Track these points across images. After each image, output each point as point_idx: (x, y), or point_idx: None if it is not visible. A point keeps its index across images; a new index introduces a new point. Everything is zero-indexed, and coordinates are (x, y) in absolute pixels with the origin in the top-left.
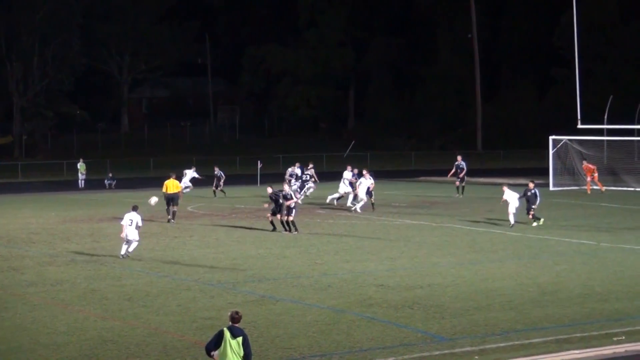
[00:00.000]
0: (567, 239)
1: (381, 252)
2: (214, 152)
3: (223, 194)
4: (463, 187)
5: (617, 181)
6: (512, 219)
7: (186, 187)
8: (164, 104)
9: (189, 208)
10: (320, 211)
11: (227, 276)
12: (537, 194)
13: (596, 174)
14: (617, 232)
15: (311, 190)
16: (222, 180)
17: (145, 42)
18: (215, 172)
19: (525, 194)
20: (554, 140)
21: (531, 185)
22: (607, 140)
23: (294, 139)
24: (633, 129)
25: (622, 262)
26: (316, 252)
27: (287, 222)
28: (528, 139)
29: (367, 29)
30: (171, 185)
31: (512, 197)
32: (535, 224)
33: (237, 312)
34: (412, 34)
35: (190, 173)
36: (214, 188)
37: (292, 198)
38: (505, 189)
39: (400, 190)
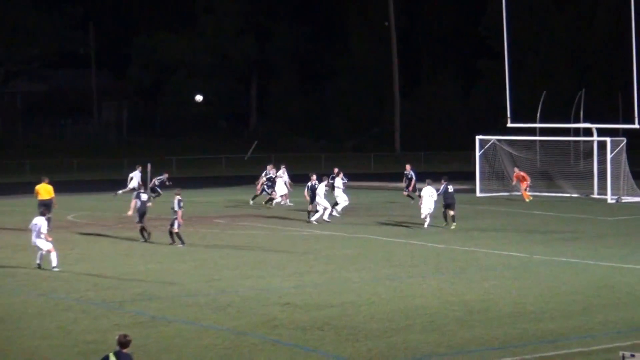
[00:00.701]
0: (496, 251)
1: (287, 266)
2: (98, 154)
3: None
4: (411, 197)
5: (552, 186)
6: (427, 220)
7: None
8: (41, 99)
9: (69, 217)
10: (219, 220)
11: (112, 294)
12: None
13: (526, 183)
14: (552, 243)
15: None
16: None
17: (21, 29)
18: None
19: (444, 192)
20: (481, 140)
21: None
22: (540, 141)
23: (189, 139)
24: (569, 128)
25: (557, 276)
26: (214, 266)
27: (171, 233)
28: (452, 140)
29: (271, 15)
30: (44, 191)
31: (429, 194)
32: (454, 226)
33: (125, 336)
34: (322, 21)
35: (137, 176)
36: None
37: (181, 208)
38: (426, 186)
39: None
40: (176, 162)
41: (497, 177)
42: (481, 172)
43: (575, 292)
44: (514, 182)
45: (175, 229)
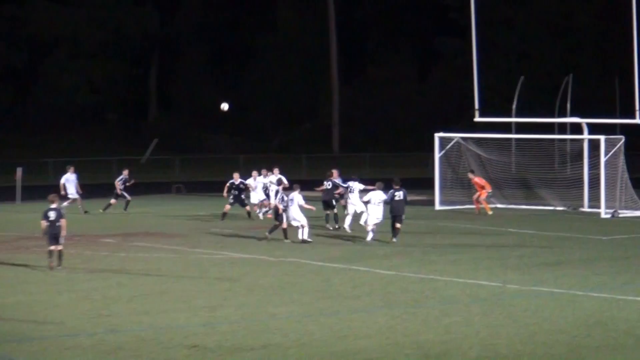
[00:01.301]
0: (460, 279)
1: (195, 298)
2: None
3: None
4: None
5: (531, 197)
6: (370, 235)
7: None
8: None
9: None
10: (109, 239)
11: None
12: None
13: (485, 192)
14: (530, 269)
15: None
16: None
17: None
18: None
19: (390, 199)
20: (441, 139)
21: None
22: (517, 139)
23: (70, 135)
24: (552, 124)
25: (537, 311)
26: (101, 299)
27: (51, 252)
28: (405, 138)
29: None
30: None
31: (378, 201)
32: (395, 240)
33: None
34: None
35: (71, 180)
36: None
37: (63, 217)
38: (376, 190)
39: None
40: (54, 166)
41: (462, 185)
42: (441, 179)
43: (560, 330)
44: (482, 197)
45: (60, 246)
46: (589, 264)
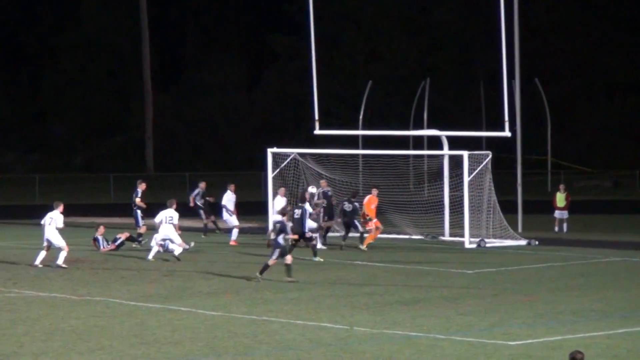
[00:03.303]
0: (299, 321)
1: None
2: None
3: None
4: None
5: (382, 223)
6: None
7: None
8: None
9: None
10: None
11: None
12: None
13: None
14: (382, 308)
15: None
16: None
17: None
18: None
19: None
20: (274, 154)
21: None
22: (364, 155)
23: None
24: (407, 137)
25: (391, 358)
26: None
27: None
28: (233, 153)
29: None
30: None
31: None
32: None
33: None
34: None
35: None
36: None
37: None
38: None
39: (14, 241)
40: None
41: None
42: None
43: None
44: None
45: None
46: (452, 302)
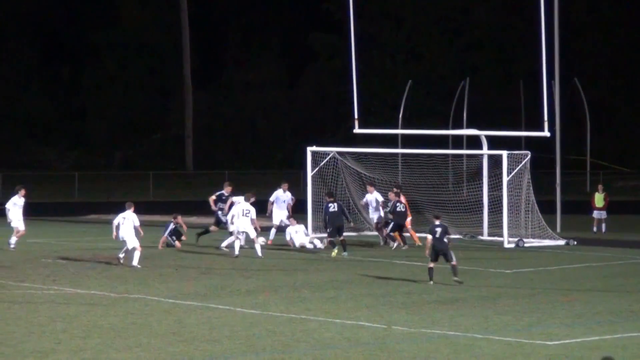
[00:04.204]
0: (337, 320)
1: (23, 342)
2: None
3: None
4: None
5: (421, 223)
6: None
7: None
8: None
9: None
10: None
11: None
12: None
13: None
14: (420, 308)
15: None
16: None
17: None
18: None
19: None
20: (314, 153)
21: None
22: (403, 155)
23: None
24: (446, 136)
25: (427, 358)
26: None
27: None
28: (273, 152)
29: None
30: None
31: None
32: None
33: None
34: None
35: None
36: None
37: None
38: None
39: (54, 238)
40: None
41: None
42: (315, 202)
43: None
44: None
45: None
46: (490, 302)
